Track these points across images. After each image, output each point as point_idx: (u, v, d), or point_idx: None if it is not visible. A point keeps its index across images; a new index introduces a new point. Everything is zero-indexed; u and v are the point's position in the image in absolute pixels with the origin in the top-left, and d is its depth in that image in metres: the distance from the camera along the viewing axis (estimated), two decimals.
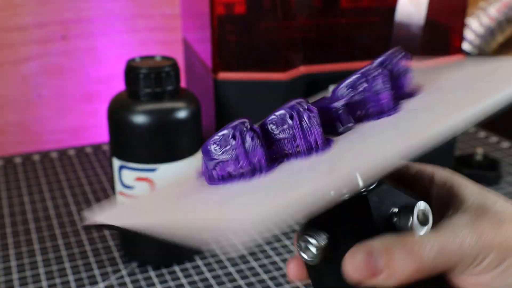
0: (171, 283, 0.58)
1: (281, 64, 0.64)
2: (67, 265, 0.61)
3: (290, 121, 0.28)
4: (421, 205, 0.28)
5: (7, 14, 0.96)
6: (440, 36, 0.71)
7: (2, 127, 1.01)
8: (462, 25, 0.71)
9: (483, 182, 0.78)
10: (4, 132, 1.02)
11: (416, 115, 0.29)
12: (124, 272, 0.60)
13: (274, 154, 0.29)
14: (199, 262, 0.61)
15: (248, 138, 0.28)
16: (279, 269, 0.60)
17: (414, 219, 0.28)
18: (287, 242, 0.65)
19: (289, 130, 0.28)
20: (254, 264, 0.61)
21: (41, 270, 0.60)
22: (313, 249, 0.29)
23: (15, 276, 0.59)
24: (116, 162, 0.57)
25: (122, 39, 1.04)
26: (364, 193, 0.29)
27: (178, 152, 0.56)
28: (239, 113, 0.64)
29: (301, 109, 0.28)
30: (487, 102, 0.27)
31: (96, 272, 0.60)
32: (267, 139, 0.29)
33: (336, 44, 0.68)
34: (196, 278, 0.59)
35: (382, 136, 0.28)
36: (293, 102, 0.29)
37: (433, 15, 0.68)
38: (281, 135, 0.28)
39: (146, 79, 0.55)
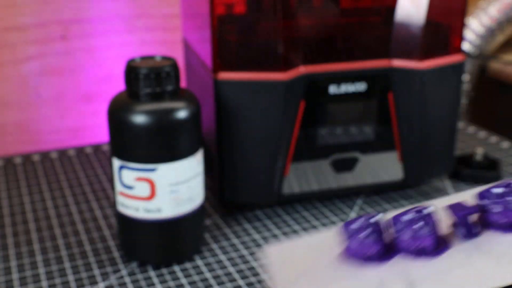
0: (171, 283, 0.58)
1: (281, 64, 0.64)
2: (67, 265, 0.61)
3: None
4: None
5: (7, 14, 0.96)
6: (440, 36, 0.71)
7: (2, 127, 1.01)
8: (462, 25, 0.71)
9: (483, 182, 0.78)
10: (3, 132, 1.02)
11: None
12: (124, 272, 0.60)
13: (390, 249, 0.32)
14: (199, 262, 0.61)
15: (367, 233, 0.32)
16: None
17: None
18: None
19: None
20: (254, 264, 0.61)
21: (41, 270, 0.60)
22: None
23: (15, 276, 0.59)
24: (116, 162, 0.57)
25: (122, 39, 1.05)
26: None
27: (178, 152, 0.56)
28: (239, 113, 0.64)
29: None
30: None
31: (96, 272, 0.60)
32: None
33: (336, 44, 0.68)
34: (196, 278, 0.59)
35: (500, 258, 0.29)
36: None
37: (433, 15, 0.68)
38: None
39: (146, 79, 0.55)
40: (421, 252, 0.30)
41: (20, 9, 0.96)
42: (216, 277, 0.59)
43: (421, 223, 0.31)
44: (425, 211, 0.31)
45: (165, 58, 0.59)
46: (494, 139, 0.92)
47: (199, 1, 0.69)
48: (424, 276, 0.29)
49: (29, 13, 0.97)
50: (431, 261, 0.30)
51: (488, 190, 0.32)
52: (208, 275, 0.59)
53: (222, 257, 0.62)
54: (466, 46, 1.39)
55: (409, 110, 0.69)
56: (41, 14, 0.98)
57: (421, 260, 0.30)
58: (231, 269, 0.60)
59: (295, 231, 0.67)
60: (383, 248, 0.32)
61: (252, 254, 0.62)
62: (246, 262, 0.61)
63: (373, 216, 0.33)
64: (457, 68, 0.71)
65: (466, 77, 1.44)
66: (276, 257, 0.37)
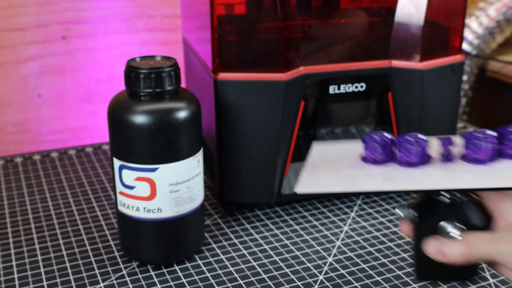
0: (171, 283, 0.58)
1: (281, 64, 0.64)
2: (67, 264, 0.61)
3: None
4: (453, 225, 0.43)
5: (7, 14, 0.96)
6: (439, 36, 0.71)
7: (3, 127, 1.01)
8: (461, 26, 0.71)
9: None
10: (4, 132, 1.02)
11: None
12: (124, 272, 0.60)
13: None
14: (199, 262, 0.61)
15: (377, 143, 0.47)
16: (279, 269, 0.60)
17: (445, 227, 0.44)
18: (287, 242, 0.65)
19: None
20: (254, 263, 0.61)
21: (42, 270, 0.60)
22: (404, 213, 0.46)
23: (16, 275, 0.59)
24: (116, 162, 0.57)
25: (122, 39, 1.05)
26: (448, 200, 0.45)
27: (178, 152, 0.56)
28: (239, 113, 0.64)
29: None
30: None
31: (97, 271, 0.60)
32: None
33: (336, 44, 0.68)
34: (196, 277, 0.59)
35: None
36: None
37: (432, 16, 0.68)
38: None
39: (146, 79, 0.55)
40: (409, 164, 0.46)
41: (20, 10, 0.96)
42: (216, 277, 0.59)
43: (414, 144, 0.46)
44: (420, 137, 0.46)
45: (165, 58, 0.59)
46: None
47: (199, 2, 0.69)
48: (399, 176, 0.45)
49: (29, 14, 0.97)
50: (412, 169, 0.46)
51: (470, 133, 0.45)
52: (208, 274, 0.59)
53: (222, 257, 0.62)
54: (465, 46, 1.39)
55: (409, 110, 0.69)
56: (41, 14, 0.98)
57: (407, 168, 0.46)
58: (231, 269, 0.60)
59: (295, 231, 0.67)
60: (386, 157, 0.47)
61: (252, 253, 0.63)
62: (246, 261, 0.61)
63: (384, 133, 0.47)
64: (456, 68, 0.71)
65: (465, 77, 1.44)
66: (316, 151, 0.52)
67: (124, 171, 0.57)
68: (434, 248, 0.43)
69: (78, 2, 1.00)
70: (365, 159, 0.48)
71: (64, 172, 0.82)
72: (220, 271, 0.60)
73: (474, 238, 0.42)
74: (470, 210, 0.44)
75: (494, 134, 0.45)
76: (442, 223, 0.44)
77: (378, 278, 0.58)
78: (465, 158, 0.46)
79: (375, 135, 0.47)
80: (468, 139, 0.45)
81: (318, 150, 0.53)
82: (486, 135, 0.45)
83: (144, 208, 0.58)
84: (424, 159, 0.46)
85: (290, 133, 0.66)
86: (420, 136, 0.46)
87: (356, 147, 0.50)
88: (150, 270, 0.60)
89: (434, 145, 0.47)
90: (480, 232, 0.42)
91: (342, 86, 0.67)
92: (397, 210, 0.47)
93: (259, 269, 0.60)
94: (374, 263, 0.61)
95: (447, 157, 0.46)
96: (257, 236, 0.66)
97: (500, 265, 0.43)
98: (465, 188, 0.42)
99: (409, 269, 0.60)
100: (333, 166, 0.48)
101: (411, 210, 0.46)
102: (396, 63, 0.68)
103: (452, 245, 0.42)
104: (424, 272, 0.47)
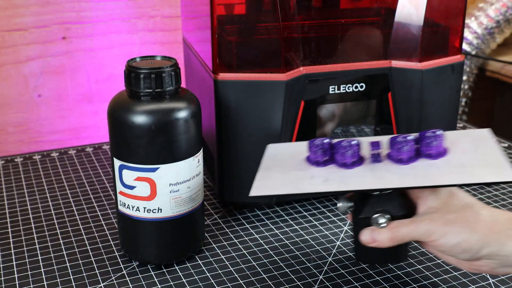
0: (171, 283, 0.58)
1: (281, 64, 0.64)
2: (68, 264, 0.61)
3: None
4: (383, 216, 0.52)
5: (8, 14, 0.96)
6: (439, 37, 0.71)
7: (3, 127, 1.01)
8: (461, 25, 0.71)
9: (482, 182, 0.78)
10: (4, 132, 1.02)
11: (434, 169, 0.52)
12: (124, 272, 0.60)
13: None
14: (199, 262, 0.61)
15: (318, 148, 0.55)
16: (279, 269, 0.60)
17: (376, 219, 0.52)
18: (287, 242, 0.65)
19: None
20: (254, 263, 0.61)
21: (42, 270, 0.60)
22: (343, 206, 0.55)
23: (16, 275, 0.59)
24: (117, 162, 0.57)
25: (122, 39, 1.05)
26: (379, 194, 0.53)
27: (178, 152, 0.56)
28: (239, 113, 0.65)
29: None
30: (475, 181, 0.50)
31: (97, 271, 0.60)
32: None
33: (336, 44, 0.68)
34: (196, 277, 0.59)
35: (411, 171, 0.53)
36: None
37: (432, 16, 0.68)
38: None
39: (146, 79, 0.55)
40: (345, 165, 0.54)
41: (21, 10, 0.97)
42: (216, 277, 0.59)
43: (347, 148, 0.54)
44: (354, 142, 0.54)
45: (165, 58, 0.59)
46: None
47: (199, 2, 0.70)
48: (337, 178, 0.53)
49: (30, 14, 0.97)
50: (347, 170, 0.54)
51: (395, 136, 0.53)
52: (208, 274, 0.59)
53: (222, 257, 0.62)
54: (465, 46, 1.39)
55: (409, 110, 0.69)
56: (42, 14, 0.98)
57: (343, 169, 0.54)
58: (231, 269, 0.60)
59: (295, 231, 0.67)
60: (326, 159, 0.55)
61: (252, 253, 0.63)
62: (246, 261, 0.61)
63: (325, 139, 0.55)
64: (456, 68, 0.71)
65: (464, 77, 1.44)
66: (270, 151, 0.60)
67: (124, 171, 0.57)
68: (367, 236, 0.52)
69: (78, 2, 1.00)
70: (309, 160, 0.56)
71: (64, 172, 0.82)
72: (220, 271, 0.60)
73: (397, 224, 0.51)
74: (396, 200, 0.53)
75: (413, 137, 0.53)
76: (373, 216, 0.52)
77: (378, 278, 0.58)
78: (390, 158, 0.54)
79: (317, 140, 0.55)
80: (392, 142, 0.53)
81: (271, 151, 0.59)
82: (406, 139, 0.53)
83: (144, 208, 0.58)
84: (357, 161, 0.54)
85: (290, 133, 0.66)
86: (353, 141, 0.54)
87: (304, 148, 0.57)
88: (150, 270, 0.60)
89: (365, 147, 0.55)
90: (404, 219, 0.51)
91: (342, 86, 0.67)
92: (338, 204, 0.55)
93: (259, 269, 0.60)
94: None
95: (376, 158, 0.54)
96: (257, 236, 0.66)
97: (423, 243, 0.52)
98: (390, 187, 0.51)
99: (409, 269, 0.60)
100: (282, 167, 0.56)
101: (349, 203, 0.54)
102: (396, 63, 0.68)
103: (380, 232, 0.51)
104: (364, 256, 0.55)
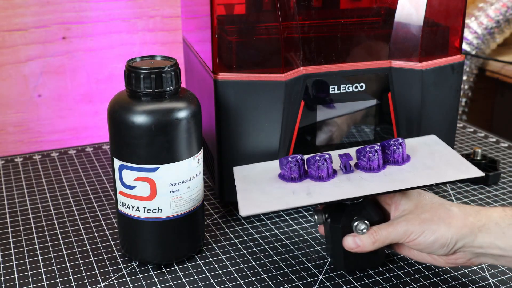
0: (171, 283, 0.58)
1: (281, 64, 0.64)
2: (67, 264, 0.61)
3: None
4: (362, 222, 0.56)
5: (7, 14, 0.96)
6: (439, 37, 0.71)
7: (3, 127, 1.01)
8: (461, 25, 0.71)
9: (482, 182, 0.78)
10: (4, 132, 1.02)
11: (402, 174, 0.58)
12: (124, 272, 0.60)
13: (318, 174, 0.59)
14: (199, 262, 0.61)
15: (293, 164, 0.58)
16: (279, 269, 0.60)
17: (357, 226, 0.56)
18: (287, 242, 0.65)
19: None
20: (254, 263, 0.61)
21: (42, 270, 0.60)
22: (318, 218, 0.59)
23: (16, 275, 0.59)
24: (117, 162, 0.57)
25: (122, 39, 1.05)
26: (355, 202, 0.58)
27: (178, 152, 0.56)
28: (239, 113, 0.65)
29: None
30: (448, 180, 0.56)
31: (97, 271, 0.60)
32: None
33: (336, 44, 0.68)
34: (196, 277, 0.59)
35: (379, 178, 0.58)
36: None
37: (432, 16, 0.68)
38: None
39: (146, 79, 0.55)
40: (320, 178, 0.58)
41: (21, 10, 0.97)
42: (216, 277, 0.59)
43: (322, 162, 0.57)
44: (326, 156, 0.58)
45: (165, 58, 0.59)
46: (492, 139, 0.93)
47: (199, 2, 0.70)
48: (316, 189, 0.56)
49: (30, 14, 0.97)
50: (324, 183, 0.57)
51: (362, 148, 0.58)
52: (208, 274, 0.59)
53: (222, 257, 0.62)
54: (465, 46, 1.39)
55: (409, 110, 0.69)
56: (42, 14, 0.98)
57: (319, 182, 0.57)
58: (231, 269, 0.60)
59: (295, 231, 0.67)
60: (300, 174, 0.58)
61: (252, 253, 0.63)
62: (246, 261, 0.61)
63: (296, 156, 0.58)
64: (456, 68, 0.71)
65: (464, 77, 1.44)
66: (238, 173, 0.63)
67: (124, 171, 0.57)
68: (350, 242, 0.55)
69: (78, 2, 1.00)
70: (282, 177, 0.59)
71: (64, 172, 0.82)
72: (220, 271, 0.60)
73: (376, 228, 0.55)
74: (369, 207, 0.57)
75: (378, 147, 0.58)
76: (354, 223, 0.55)
77: (378, 278, 0.58)
78: (360, 168, 0.59)
79: (290, 157, 0.58)
80: (361, 153, 0.58)
81: (240, 173, 0.62)
82: (375, 149, 0.58)
83: (144, 208, 0.58)
84: (331, 173, 0.58)
85: (290, 133, 0.66)
86: (325, 155, 0.58)
87: (270, 167, 0.61)
88: (150, 270, 0.60)
89: (336, 160, 0.59)
90: (380, 224, 0.55)
91: (342, 86, 0.67)
92: (315, 217, 0.58)
93: (259, 269, 0.60)
94: None
95: (347, 169, 0.58)
96: (257, 236, 0.66)
97: (400, 246, 0.56)
98: (370, 194, 0.55)
99: (409, 269, 0.60)
100: (258, 187, 0.59)
101: (324, 214, 0.58)
102: (396, 63, 0.68)
103: (362, 238, 0.55)
104: (348, 263, 0.58)
